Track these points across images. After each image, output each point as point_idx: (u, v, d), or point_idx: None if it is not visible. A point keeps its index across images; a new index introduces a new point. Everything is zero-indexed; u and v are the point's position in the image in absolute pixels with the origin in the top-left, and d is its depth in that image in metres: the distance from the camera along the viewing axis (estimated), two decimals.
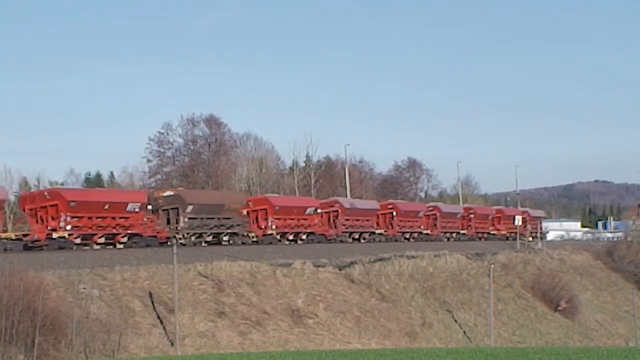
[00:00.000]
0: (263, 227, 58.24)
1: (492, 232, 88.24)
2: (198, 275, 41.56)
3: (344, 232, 66.31)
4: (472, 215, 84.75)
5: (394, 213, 72.27)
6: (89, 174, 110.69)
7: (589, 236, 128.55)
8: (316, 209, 63.18)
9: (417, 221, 75.69)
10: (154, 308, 37.09)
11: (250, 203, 59.08)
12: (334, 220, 65.92)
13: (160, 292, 38.49)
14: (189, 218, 52.40)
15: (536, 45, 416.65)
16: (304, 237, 61.46)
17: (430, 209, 79.49)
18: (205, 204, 53.88)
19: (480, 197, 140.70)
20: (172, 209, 52.39)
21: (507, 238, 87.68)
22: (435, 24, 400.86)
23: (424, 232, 76.15)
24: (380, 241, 69.31)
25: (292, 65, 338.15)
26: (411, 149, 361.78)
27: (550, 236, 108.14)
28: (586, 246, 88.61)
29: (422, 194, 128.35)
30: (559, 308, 60.73)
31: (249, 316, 40.19)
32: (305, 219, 61.92)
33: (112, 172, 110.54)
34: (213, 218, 54.19)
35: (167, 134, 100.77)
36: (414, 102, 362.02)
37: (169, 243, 49.89)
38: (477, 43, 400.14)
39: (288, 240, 60.17)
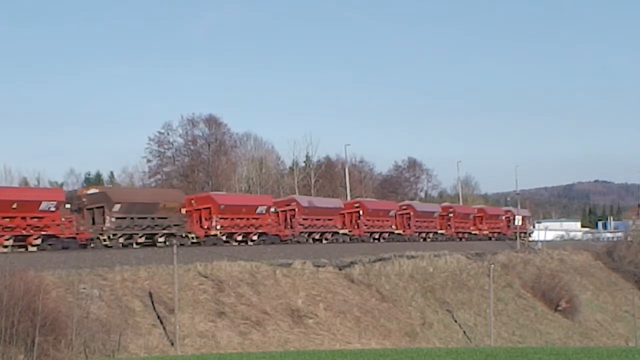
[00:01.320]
0: (206, 227, 53.92)
1: (473, 232, 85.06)
2: (198, 275, 41.59)
3: (301, 232, 61.98)
4: (451, 215, 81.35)
5: (361, 212, 68.48)
6: (89, 174, 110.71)
7: (589, 236, 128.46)
8: (269, 208, 58.87)
9: (387, 220, 71.91)
10: (154, 308, 37.11)
11: (193, 201, 55.11)
12: (290, 220, 61.62)
13: (160, 292, 38.51)
14: (117, 218, 47.84)
15: (536, 45, 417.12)
16: (254, 237, 56.84)
17: (404, 207, 75.92)
18: (136, 203, 49.69)
19: (481, 197, 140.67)
20: (96, 208, 47.89)
21: (490, 238, 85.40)
22: (435, 24, 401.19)
23: (396, 232, 72.40)
24: (344, 242, 65.50)
25: (292, 65, 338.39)
26: (411, 149, 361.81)
27: (550, 236, 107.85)
28: (586, 246, 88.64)
29: (422, 194, 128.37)
30: (559, 308, 60.78)
31: (249, 316, 40.21)
32: (257, 219, 57.28)
33: (112, 172, 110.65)
34: (146, 218, 49.75)
35: (167, 134, 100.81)
36: (414, 102, 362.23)
37: (92, 245, 46.67)
38: (477, 43, 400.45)
39: (236, 241, 55.60)
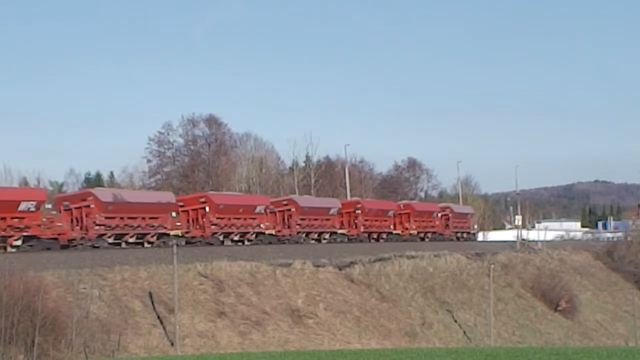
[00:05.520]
0: None
1: (395, 232, 73.48)
2: (198, 275, 41.60)
3: (102, 234, 48.95)
4: (358, 211, 68.96)
5: (207, 208, 55.68)
6: (89, 174, 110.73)
7: (589, 236, 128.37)
8: (44, 205, 46.23)
9: (253, 219, 58.66)
10: (154, 308, 37.12)
11: None
12: (85, 219, 49.04)
13: (160, 292, 38.52)
14: None
15: (536, 45, 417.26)
16: (18, 242, 43.55)
17: (284, 203, 63.01)
18: None
19: (481, 197, 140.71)
20: None
21: (423, 239, 75.67)
22: (435, 24, 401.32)
23: (267, 232, 59.21)
24: (178, 245, 46.17)
25: (292, 65, 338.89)
26: (411, 149, 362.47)
27: (550, 236, 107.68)
28: (586, 246, 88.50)
29: (422, 194, 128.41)
30: (559, 308, 60.73)
31: (249, 316, 40.21)
32: (22, 218, 44.07)
33: (112, 172, 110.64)
34: None
35: (167, 134, 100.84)
36: (414, 102, 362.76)
37: None
38: (476, 43, 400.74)
39: None
